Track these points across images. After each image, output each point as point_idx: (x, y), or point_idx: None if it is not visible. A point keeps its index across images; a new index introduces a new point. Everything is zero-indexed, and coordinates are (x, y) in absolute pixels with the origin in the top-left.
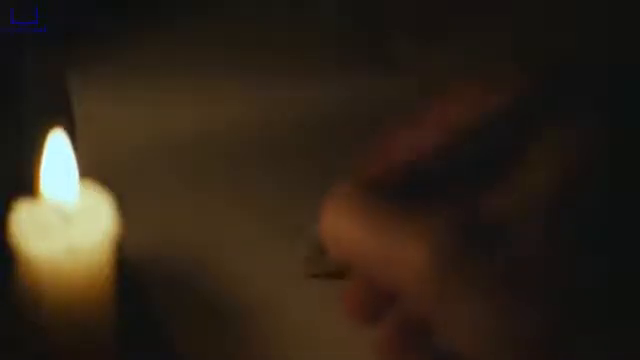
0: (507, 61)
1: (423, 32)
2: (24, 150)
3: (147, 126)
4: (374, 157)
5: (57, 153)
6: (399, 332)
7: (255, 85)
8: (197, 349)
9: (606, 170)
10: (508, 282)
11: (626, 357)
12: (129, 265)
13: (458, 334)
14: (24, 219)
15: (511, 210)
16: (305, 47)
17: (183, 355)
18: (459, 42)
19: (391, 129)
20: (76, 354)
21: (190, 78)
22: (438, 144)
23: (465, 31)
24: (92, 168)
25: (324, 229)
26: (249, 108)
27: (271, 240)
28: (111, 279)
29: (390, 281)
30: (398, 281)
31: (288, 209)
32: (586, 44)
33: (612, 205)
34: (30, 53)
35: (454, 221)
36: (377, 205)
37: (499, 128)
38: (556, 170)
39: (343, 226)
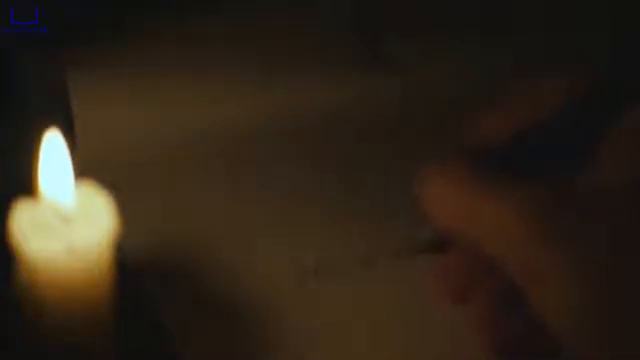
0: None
1: (423, 32)
2: (24, 150)
3: (147, 126)
4: (471, 133)
5: (56, 153)
6: (489, 307)
7: (255, 85)
8: (197, 349)
9: None
10: (591, 247)
11: None
12: (129, 264)
13: (544, 299)
14: (24, 219)
15: (594, 188)
16: (305, 47)
17: (183, 355)
18: (459, 43)
19: (486, 110)
20: (76, 354)
21: (190, 78)
22: (524, 126)
23: (464, 32)
24: (91, 168)
25: (426, 193)
26: (249, 108)
27: (271, 240)
28: (111, 279)
29: (483, 240)
30: (490, 241)
31: (288, 208)
32: (586, 44)
33: None
34: (30, 53)
35: (540, 188)
36: (474, 171)
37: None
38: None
39: (442, 189)
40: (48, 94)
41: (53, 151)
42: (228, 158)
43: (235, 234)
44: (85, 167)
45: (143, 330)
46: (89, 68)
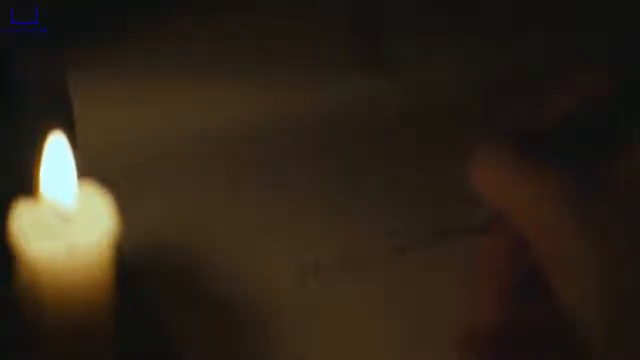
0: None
1: (423, 32)
2: (24, 150)
3: (147, 126)
4: (517, 120)
5: (57, 153)
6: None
7: (255, 85)
8: (197, 349)
9: None
10: (623, 235)
11: None
12: (129, 265)
13: (569, 282)
14: (24, 219)
15: (629, 175)
16: (305, 47)
17: (183, 355)
18: (459, 43)
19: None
20: (76, 354)
21: (190, 78)
22: (564, 114)
23: (464, 32)
24: (92, 168)
25: (476, 171)
26: (249, 108)
27: (271, 240)
28: (111, 279)
29: (518, 221)
30: (524, 222)
31: (288, 208)
32: (586, 44)
33: None
34: (30, 53)
35: (575, 172)
36: (520, 154)
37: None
38: None
39: (491, 167)
40: (48, 94)
41: (55, 151)
42: (228, 158)
43: (235, 234)
44: (85, 167)
45: (143, 330)
46: (89, 68)
